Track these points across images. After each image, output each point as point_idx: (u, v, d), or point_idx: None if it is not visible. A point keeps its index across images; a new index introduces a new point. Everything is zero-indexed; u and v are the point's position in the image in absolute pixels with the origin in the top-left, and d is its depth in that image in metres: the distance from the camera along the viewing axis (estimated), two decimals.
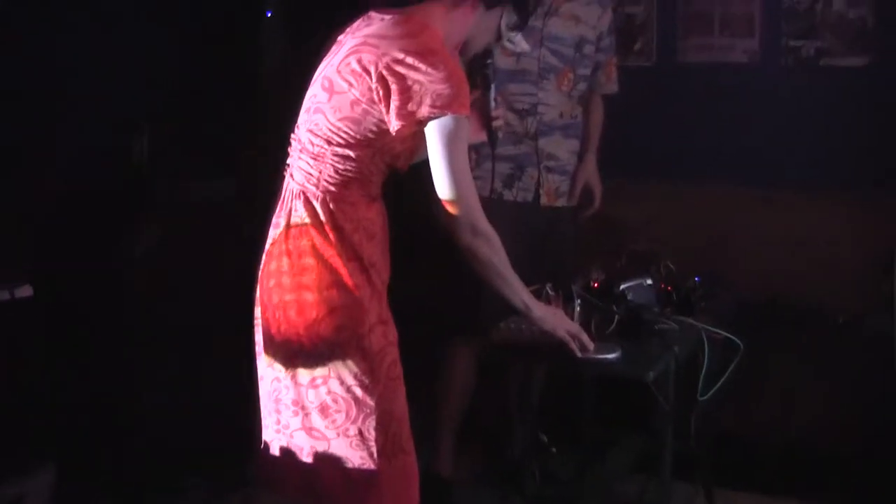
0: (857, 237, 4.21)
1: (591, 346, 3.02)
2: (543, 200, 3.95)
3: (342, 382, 2.65)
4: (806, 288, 4.29)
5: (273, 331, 2.73)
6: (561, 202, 4.01)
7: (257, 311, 2.80)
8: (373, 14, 2.76)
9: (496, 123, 3.07)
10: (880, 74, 4.18)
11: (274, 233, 2.75)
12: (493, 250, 2.75)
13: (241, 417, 3.18)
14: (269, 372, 2.77)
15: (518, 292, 2.87)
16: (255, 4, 4.75)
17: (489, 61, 3.06)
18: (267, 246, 2.77)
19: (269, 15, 4.75)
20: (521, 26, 2.94)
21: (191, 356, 4.19)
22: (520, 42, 3.10)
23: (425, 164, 2.70)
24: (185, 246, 4.24)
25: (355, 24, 2.78)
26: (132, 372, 4.11)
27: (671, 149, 4.58)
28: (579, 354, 3.00)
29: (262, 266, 2.78)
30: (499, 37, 2.90)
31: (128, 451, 4.07)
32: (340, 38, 2.78)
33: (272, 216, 2.79)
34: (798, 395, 4.15)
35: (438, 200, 2.69)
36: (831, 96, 4.30)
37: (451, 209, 2.68)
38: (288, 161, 2.79)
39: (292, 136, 2.79)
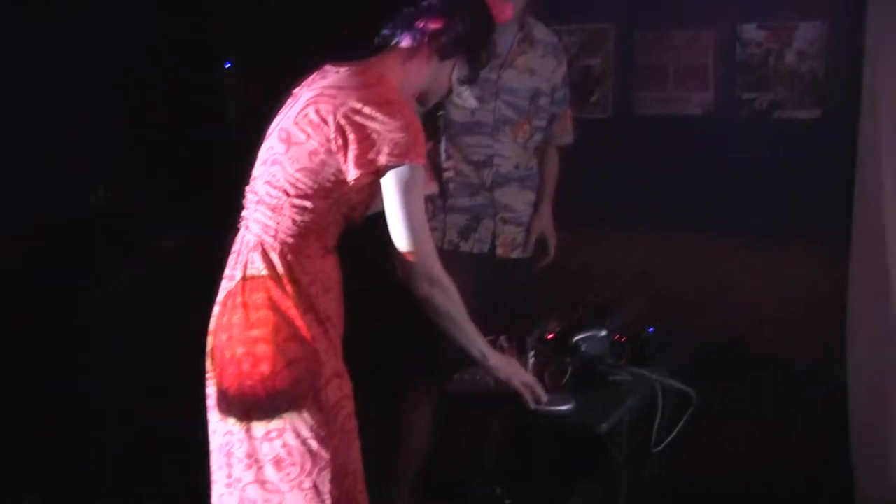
0: (809, 287, 4.25)
1: (544, 397, 3.04)
2: (499, 252, 3.96)
3: (298, 435, 2.65)
4: (761, 335, 4.32)
5: (227, 384, 2.72)
6: (517, 253, 4.03)
7: (209, 365, 2.79)
8: (328, 67, 2.80)
9: (447, 175, 3.14)
10: (831, 126, 4.24)
11: (228, 284, 2.75)
12: (449, 300, 2.79)
13: (193, 471, 3.17)
14: (221, 426, 2.75)
15: (475, 341, 2.91)
16: (215, 55, 4.76)
17: (440, 112, 3.15)
18: (220, 298, 2.77)
19: (229, 66, 4.76)
20: (472, 80, 2.98)
21: (148, 405, 4.17)
22: (467, 98, 3.14)
23: (381, 216, 2.72)
24: (142, 294, 4.24)
25: (311, 78, 2.82)
26: (88, 419, 4.08)
27: (627, 200, 4.61)
28: (532, 406, 3.03)
29: (215, 319, 2.78)
30: (451, 90, 2.96)
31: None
32: (296, 91, 2.81)
33: (225, 268, 2.80)
34: (752, 444, 4.17)
35: (395, 250, 2.71)
36: (785, 148, 4.35)
37: (407, 259, 2.71)
38: (243, 213, 2.80)
39: (248, 188, 2.80)
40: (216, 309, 2.78)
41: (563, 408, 3.08)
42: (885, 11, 3.64)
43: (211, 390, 2.79)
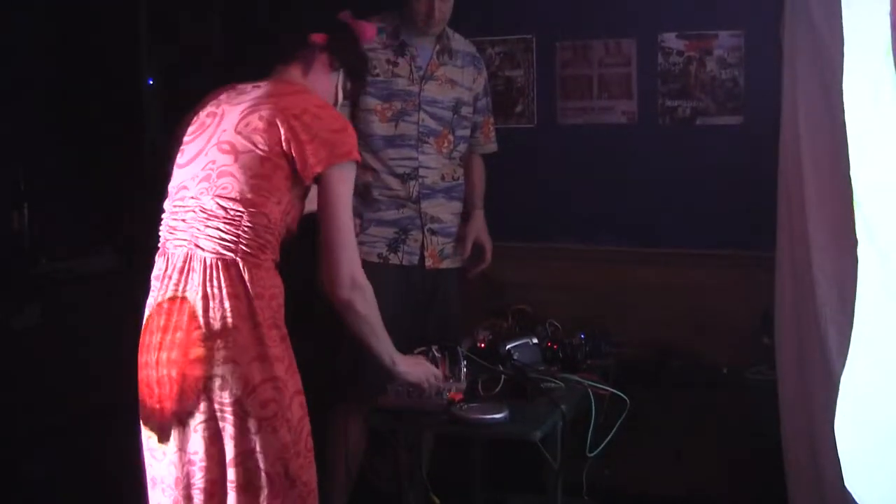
0: (736, 292, 4.30)
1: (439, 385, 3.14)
2: (428, 263, 3.95)
3: (267, 457, 2.58)
4: (690, 341, 4.35)
5: (189, 410, 2.60)
6: (446, 264, 4.02)
7: (158, 392, 2.65)
8: (238, 86, 2.84)
9: None
10: (753, 133, 4.30)
11: (172, 306, 2.65)
12: (368, 304, 2.81)
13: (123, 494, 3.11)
14: (180, 456, 2.64)
15: (387, 348, 2.93)
16: (136, 73, 4.70)
17: None
18: (161, 322, 2.65)
19: (151, 83, 4.71)
20: (353, 97, 3.11)
21: (76, 435, 4.09)
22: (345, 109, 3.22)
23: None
24: (66, 320, 4.16)
25: (223, 96, 2.83)
26: (13, 450, 3.99)
27: (555, 209, 4.64)
28: (433, 395, 3.11)
29: (160, 344, 2.65)
30: (336, 101, 3.02)
31: None
32: (211, 109, 2.80)
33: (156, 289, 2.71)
34: (687, 446, 4.20)
35: (322, 250, 2.74)
36: (708, 154, 4.41)
37: (334, 259, 2.73)
38: (180, 234, 2.70)
39: (180, 207, 2.72)
40: (164, 335, 2.64)
41: (497, 416, 3.07)
42: (800, 20, 3.70)
43: (151, 422, 2.68)
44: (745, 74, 4.37)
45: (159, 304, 2.67)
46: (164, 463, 2.66)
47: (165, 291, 2.67)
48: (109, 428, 3.83)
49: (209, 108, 2.81)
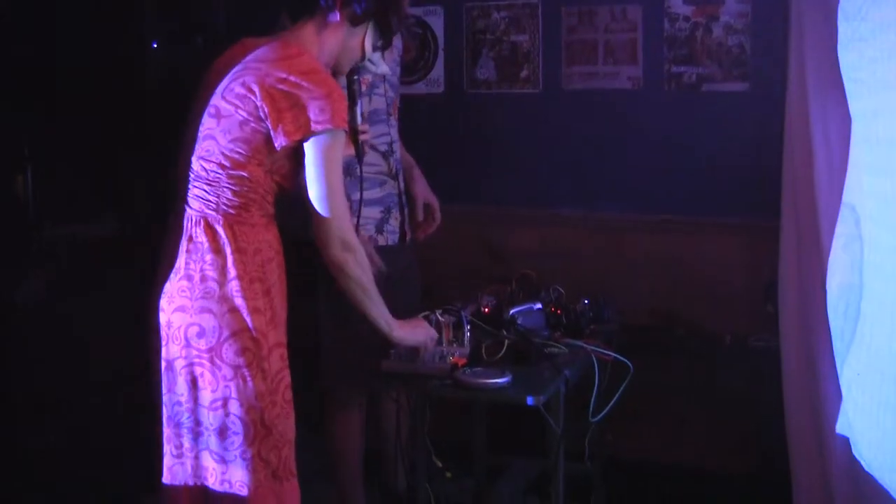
0: (740, 260, 4.29)
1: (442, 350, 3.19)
2: (408, 237, 3.92)
3: (242, 404, 2.71)
4: (693, 309, 4.35)
5: (175, 355, 2.77)
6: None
7: (161, 337, 2.81)
8: (247, 41, 2.87)
9: (363, 137, 3.24)
10: (759, 100, 4.27)
11: (173, 260, 2.79)
12: (361, 266, 2.86)
13: (136, 456, 3.15)
14: (169, 397, 2.81)
15: (383, 312, 2.98)
16: (141, 35, 4.68)
17: (356, 76, 3.18)
18: (170, 274, 2.80)
19: (155, 46, 4.69)
20: (384, 46, 3.07)
21: (80, 397, 4.10)
22: (379, 62, 3.17)
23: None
24: (71, 284, 4.16)
25: (232, 52, 2.87)
26: (17, 416, 4.00)
27: (559, 175, 4.62)
28: (436, 360, 3.16)
29: (163, 293, 2.81)
30: (363, 55, 3.01)
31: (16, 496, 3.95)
32: (218, 67, 2.85)
33: (171, 248, 2.81)
34: (689, 413, 4.20)
35: (313, 215, 2.78)
36: (713, 121, 4.39)
37: (324, 222, 2.78)
38: (185, 193, 2.82)
39: (185, 167, 2.82)
40: (166, 285, 2.81)
41: (501, 381, 3.07)
42: None
43: (162, 364, 2.82)
44: (752, 41, 4.33)
45: (167, 259, 2.82)
46: (167, 406, 2.83)
47: (171, 247, 2.81)
48: (113, 398, 3.87)
49: (217, 66, 2.85)
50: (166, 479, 2.83)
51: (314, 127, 2.69)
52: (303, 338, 3.18)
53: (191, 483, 2.79)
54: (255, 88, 2.69)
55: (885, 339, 3.01)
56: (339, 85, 2.85)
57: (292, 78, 2.68)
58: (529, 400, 3.00)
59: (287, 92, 2.68)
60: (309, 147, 2.73)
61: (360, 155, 3.27)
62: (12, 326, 4.00)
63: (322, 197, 2.75)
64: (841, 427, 3.39)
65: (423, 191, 4.04)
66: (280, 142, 2.69)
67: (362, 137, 3.25)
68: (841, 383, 3.36)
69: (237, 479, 2.72)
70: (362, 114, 3.27)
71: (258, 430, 2.72)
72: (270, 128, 2.69)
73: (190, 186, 2.79)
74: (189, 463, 2.78)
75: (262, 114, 2.68)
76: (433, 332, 3.21)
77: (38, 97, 4.34)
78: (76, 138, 4.49)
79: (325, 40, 2.89)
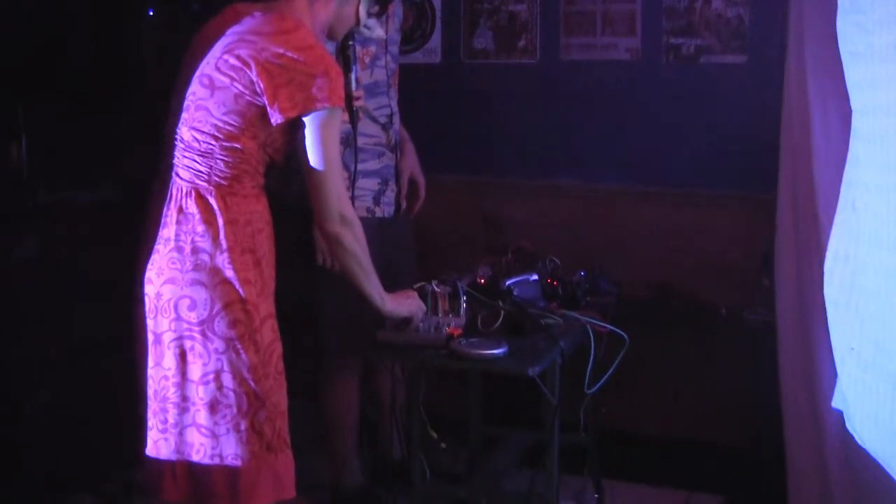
0: (737, 232, 4.29)
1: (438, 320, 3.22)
2: (402, 207, 3.93)
3: (235, 377, 2.70)
4: (689, 282, 4.35)
5: (164, 328, 2.75)
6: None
7: (145, 309, 2.80)
8: (239, 6, 2.88)
9: (357, 103, 3.23)
10: (757, 72, 4.26)
11: (163, 231, 2.79)
12: (357, 240, 2.87)
13: (125, 426, 3.14)
14: (156, 371, 2.79)
15: (376, 286, 3.00)
16: (137, 2, 4.65)
17: (350, 42, 3.19)
18: (155, 245, 2.80)
19: (151, 14, 4.66)
20: (380, 13, 3.06)
21: (73, 363, 4.10)
22: (374, 27, 3.17)
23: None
24: (66, 251, 4.15)
25: (223, 17, 2.91)
26: (11, 381, 4.00)
27: (556, 146, 4.60)
28: (431, 330, 3.17)
29: (149, 265, 2.80)
30: (358, 22, 3.01)
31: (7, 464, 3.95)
32: (208, 32, 2.85)
33: (155, 216, 2.82)
34: (684, 386, 4.21)
35: (310, 189, 2.79)
36: (711, 93, 4.37)
37: (321, 197, 2.79)
38: (173, 161, 2.82)
39: (174, 135, 2.82)
40: (153, 256, 2.80)
41: (496, 352, 3.07)
42: None
43: (149, 336, 2.81)
44: (751, 13, 4.31)
45: (157, 230, 2.81)
46: (153, 380, 2.81)
47: (161, 217, 2.80)
48: (107, 361, 3.86)
49: (206, 33, 2.89)
50: (151, 451, 2.83)
51: (311, 104, 2.68)
52: (298, 304, 3.18)
53: (174, 458, 2.79)
54: (251, 63, 2.67)
55: (879, 308, 3.00)
56: (335, 61, 2.84)
57: (289, 54, 2.67)
58: (529, 371, 3.00)
59: (284, 67, 2.66)
60: (307, 123, 2.73)
61: (353, 122, 3.28)
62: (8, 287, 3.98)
63: (320, 171, 2.75)
64: (836, 401, 3.40)
65: (411, 165, 4.02)
66: (276, 118, 2.68)
67: (356, 104, 3.25)
68: (835, 356, 3.36)
69: (229, 451, 2.72)
70: (357, 79, 3.27)
71: (251, 402, 2.72)
72: (266, 103, 2.68)
73: (179, 155, 2.78)
74: (173, 439, 2.78)
75: (257, 89, 2.67)
76: (422, 304, 3.22)
77: (33, 65, 4.31)
78: (72, 105, 4.48)
79: (318, 10, 2.88)
